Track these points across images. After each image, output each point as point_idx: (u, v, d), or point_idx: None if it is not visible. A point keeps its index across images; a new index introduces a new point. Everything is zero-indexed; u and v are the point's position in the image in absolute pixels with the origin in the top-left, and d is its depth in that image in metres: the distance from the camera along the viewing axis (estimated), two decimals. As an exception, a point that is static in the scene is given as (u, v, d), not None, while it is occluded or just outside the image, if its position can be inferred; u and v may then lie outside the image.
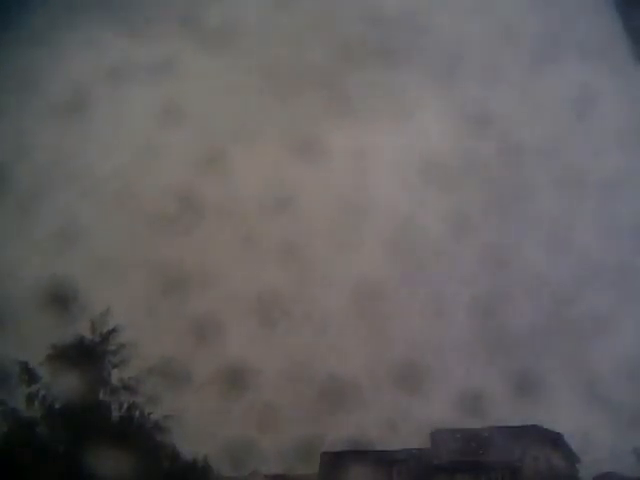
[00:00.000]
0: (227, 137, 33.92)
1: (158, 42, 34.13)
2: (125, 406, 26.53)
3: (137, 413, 26.59)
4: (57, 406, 25.23)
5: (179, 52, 33.58)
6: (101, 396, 26.23)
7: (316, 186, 34.19)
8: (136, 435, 26.16)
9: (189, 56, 33.81)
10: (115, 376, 26.57)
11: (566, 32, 35.65)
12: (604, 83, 33.20)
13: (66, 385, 24.69)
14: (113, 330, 26.50)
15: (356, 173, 35.61)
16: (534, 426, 34.97)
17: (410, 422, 31.43)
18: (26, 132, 32.13)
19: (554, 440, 35.50)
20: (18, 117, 32.04)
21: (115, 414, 26.44)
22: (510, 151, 33.75)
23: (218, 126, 34.72)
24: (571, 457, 35.38)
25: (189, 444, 27.85)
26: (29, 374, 25.26)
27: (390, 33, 36.11)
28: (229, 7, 34.93)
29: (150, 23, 35.30)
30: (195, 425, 27.56)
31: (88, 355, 25.97)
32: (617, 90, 33.42)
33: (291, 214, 32.61)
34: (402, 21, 35.43)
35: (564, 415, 30.88)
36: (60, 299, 26.03)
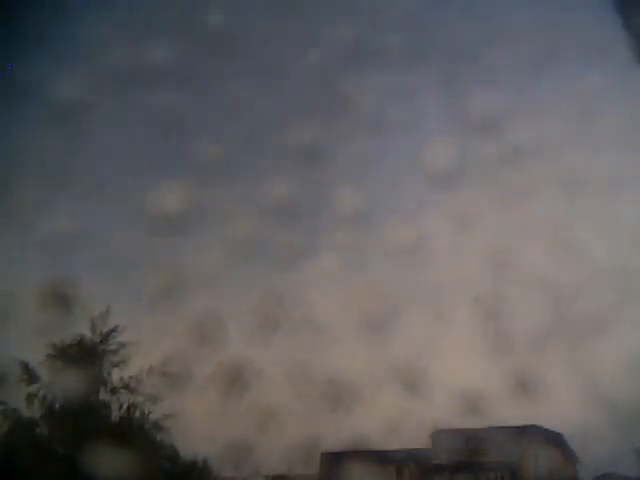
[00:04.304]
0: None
1: (159, 44, 34.15)
2: (125, 406, 26.50)
3: (137, 413, 26.57)
4: (57, 406, 25.21)
5: (180, 54, 33.63)
6: (101, 396, 26.20)
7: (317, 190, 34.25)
8: (136, 435, 26.11)
9: (190, 58, 33.87)
10: (115, 376, 26.58)
11: (566, 32, 35.70)
12: (604, 83, 33.23)
13: (66, 385, 24.68)
14: (113, 329, 26.49)
15: (356, 175, 35.66)
16: (534, 426, 34.96)
17: (410, 422, 31.43)
18: (27, 133, 32.17)
19: (554, 440, 35.50)
20: (19, 117, 32.07)
21: (115, 414, 26.39)
22: (511, 151, 33.76)
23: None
24: (571, 457, 35.38)
25: (189, 444, 27.87)
26: (29, 374, 25.24)
27: (390, 34, 36.13)
28: (230, 8, 34.95)
29: (152, 25, 35.32)
30: (195, 425, 27.56)
31: (88, 354, 25.94)
32: (617, 90, 33.45)
33: (293, 219, 32.67)
34: (403, 22, 35.48)
35: (564, 415, 30.90)
36: (60, 299, 26.01)
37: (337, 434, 31.11)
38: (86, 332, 26.40)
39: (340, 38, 35.37)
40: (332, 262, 33.74)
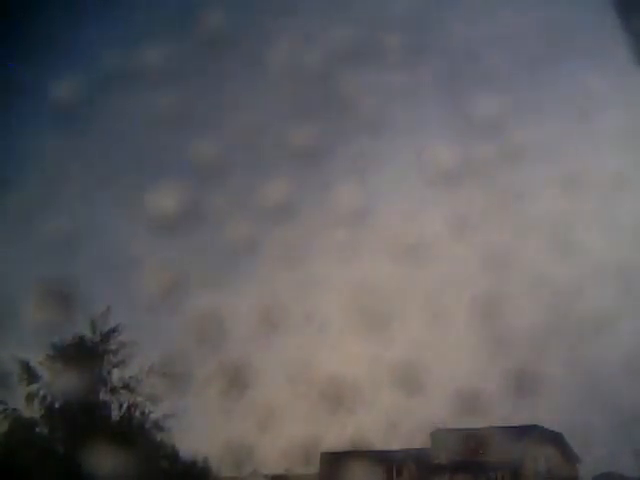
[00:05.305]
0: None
1: (158, 43, 34.07)
2: (125, 406, 26.56)
3: (137, 413, 26.62)
4: (57, 406, 25.23)
5: (180, 57, 33.53)
6: (101, 396, 26.25)
7: (316, 190, 34.21)
8: (136, 435, 26.15)
9: (190, 58, 33.75)
10: (115, 376, 26.63)
11: (566, 33, 35.65)
12: (604, 84, 33.21)
13: (66, 385, 24.70)
14: (113, 329, 26.53)
15: (355, 175, 35.58)
16: (534, 426, 34.97)
17: (410, 422, 31.40)
18: (27, 133, 32.14)
19: (554, 440, 35.53)
20: (19, 117, 32.05)
21: (115, 414, 26.46)
22: (511, 151, 33.72)
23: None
24: (571, 457, 35.41)
25: (189, 444, 27.88)
26: (29, 373, 25.28)
27: (390, 34, 36.09)
28: (229, 8, 34.89)
29: (151, 25, 35.25)
30: (195, 425, 27.56)
31: (88, 354, 25.99)
32: (617, 91, 33.41)
33: (292, 219, 32.59)
34: (403, 22, 35.44)
35: (564, 415, 30.89)
36: (60, 299, 26.02)
37: (337, 434, 31.12)
38: (86, 332, 26.49)
39: (340, 38, 35.34)
40: (332, 262, 33.68)
